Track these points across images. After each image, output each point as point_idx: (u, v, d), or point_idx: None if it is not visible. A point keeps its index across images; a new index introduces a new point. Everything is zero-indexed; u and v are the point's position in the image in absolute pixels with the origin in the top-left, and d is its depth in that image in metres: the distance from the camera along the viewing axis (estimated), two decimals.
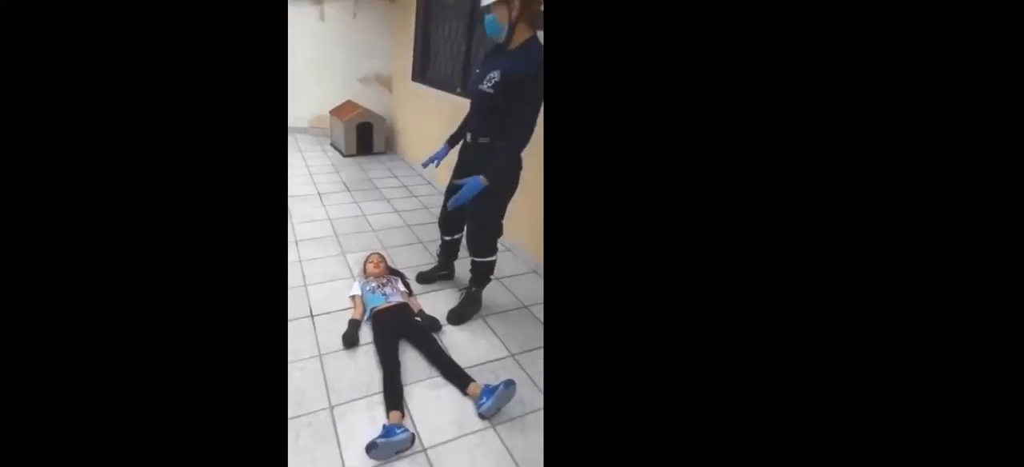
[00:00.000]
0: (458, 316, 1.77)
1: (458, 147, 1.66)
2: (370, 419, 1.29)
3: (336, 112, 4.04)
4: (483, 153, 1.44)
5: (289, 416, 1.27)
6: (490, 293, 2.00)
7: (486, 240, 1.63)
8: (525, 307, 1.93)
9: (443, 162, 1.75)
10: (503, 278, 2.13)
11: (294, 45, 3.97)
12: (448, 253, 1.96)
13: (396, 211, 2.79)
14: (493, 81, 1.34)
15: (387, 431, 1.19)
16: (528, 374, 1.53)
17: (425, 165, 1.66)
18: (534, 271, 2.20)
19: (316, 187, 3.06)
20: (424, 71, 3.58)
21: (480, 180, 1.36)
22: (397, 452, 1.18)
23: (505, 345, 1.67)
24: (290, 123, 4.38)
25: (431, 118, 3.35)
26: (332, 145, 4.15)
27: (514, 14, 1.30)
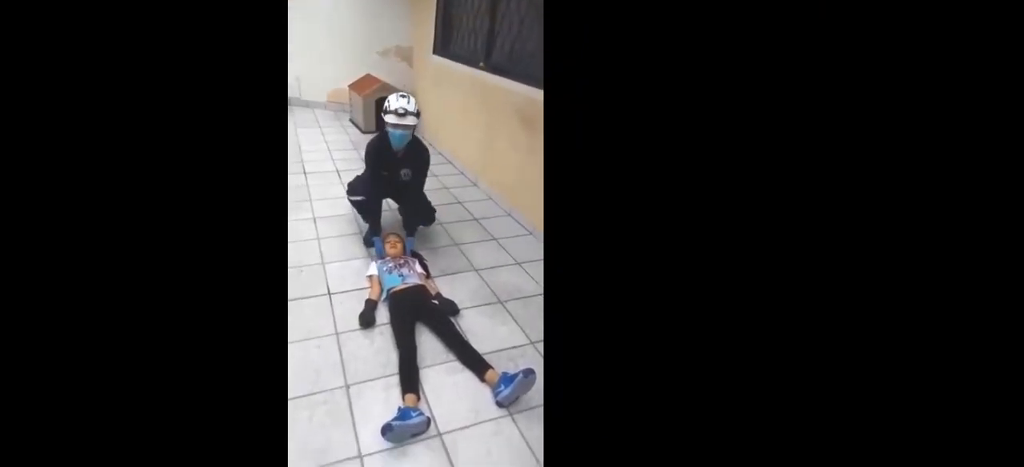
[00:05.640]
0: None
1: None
2: (385, 401, 1.33)
3: (354, 87, 4.09)
4: (406, 184, 2.15)
5: (305, 393, 1.32)
6: (510, 278, 2.01)
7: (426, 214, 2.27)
8: None
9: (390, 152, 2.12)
10: (524, 263, 2.13)
11: (313, 17, 4.03)
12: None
13: None
14: (408, 175, 2.10)
15: (402, 414, 1.22)
16: None
17: (376, 254, 2.01)
18: None
19: (334, 164, 3.13)
20: (446, 44, 3.56)
21: (412, 241, 2.10)
22: (412, 435, 1.22)
23: (525, 332, 1.68)
24: (308, 97, 4.47)
25: (453, 93, 3.34)
26: (351, 121, 4.22)
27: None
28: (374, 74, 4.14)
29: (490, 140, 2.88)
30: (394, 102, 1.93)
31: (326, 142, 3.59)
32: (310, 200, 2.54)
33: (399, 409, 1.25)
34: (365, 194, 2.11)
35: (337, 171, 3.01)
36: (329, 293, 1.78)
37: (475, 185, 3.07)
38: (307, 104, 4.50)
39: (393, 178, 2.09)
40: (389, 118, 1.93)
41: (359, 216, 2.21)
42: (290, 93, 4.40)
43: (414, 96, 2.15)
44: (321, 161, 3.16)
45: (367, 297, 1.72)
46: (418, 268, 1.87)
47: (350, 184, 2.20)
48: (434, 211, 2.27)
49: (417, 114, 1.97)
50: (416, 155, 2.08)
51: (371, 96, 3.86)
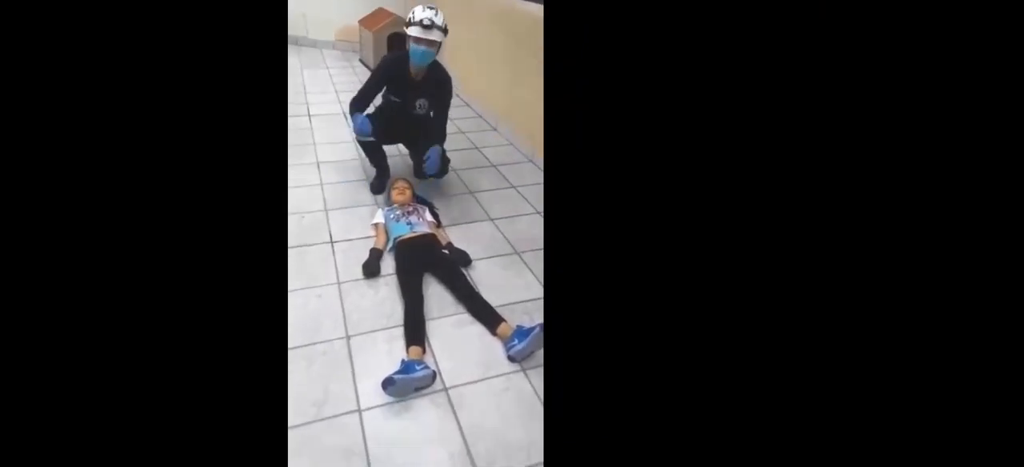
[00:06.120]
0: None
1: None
2: (388, 353, 1.27)
3: (365, 22, 3.87)
4: (420, 120, 1.95)
5: (304, 343, 1.27)
6: (528, 228, 1.89)
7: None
8: None
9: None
10: (544, 213, 2.00)
11: None
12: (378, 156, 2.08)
13: None
14: (425, 108, 1.89)
15: (406, 367, 1.15)
16: None
17: (362, 131, 1.86)
18: None
19: (341, 106, 3.00)
20: None
21: (438, 148, 1.89)
22: (416, 389, 1.15)
23: (543, 284, 1.57)
24: (315, 36, 4.30)
25: (475, 25, 3.09)
26: (361, 61, 4.04)
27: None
28: (387, 8, 3.90)
29: (515, 79, 2.68)
30: (419, 12, 1.71)
31: (333, 83, 3.45)
32: (314, 144, 2.44)
33: (402, 362, 1.18)
34: (361, 107, 1.90)
35: (344, 114, 2.88)
36: (331, 241, 1.71)
37: (495, 130, 2.90)
38: (314, 44, 4.33)
39: (406, 108, 1.87)
40: (413, 31, 1.72)
41: (366, 160, 2.09)
42: (295, 32, 4.23)
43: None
44: (327, 103, 3.04)
45: (372, 246, 1.64)
46: (428, 216, 1.76)
47: (359, 126, 2.02)
48: (448, 161, 2.08)
49: (444, 30, 1.76)
50: (436, 84, 1.85)
51: (383, 31, 3.64)
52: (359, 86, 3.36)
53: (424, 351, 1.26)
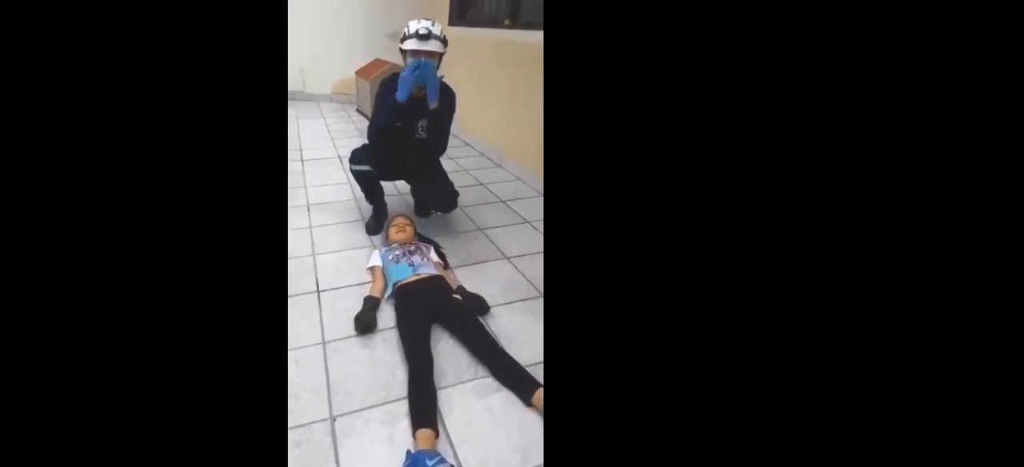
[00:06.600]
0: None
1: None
2: (388, 440, 0.92)
3: (361, 72, 3.84)
4: (422, 146, 1.73)
5: None
6: None
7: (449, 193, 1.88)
8: None
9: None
10: None
11: (317, 2, 3.81)
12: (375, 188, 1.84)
13: None
14: (425, 128, 1.68)
15: (414, 462, 0.82)
16: None
17: (402, 96, 1.58)
18: None
19: (337, 150, 2.82)
20: (463, 12, 3.28)
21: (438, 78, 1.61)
22: None
23: None
24: (313, 90, 4.25)
25: (473, 65, 2.99)
26: (358, 111, 3.94)
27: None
28: (384, 58, 3.87)
29: (516, 109, 2.55)
30: (414, 24, 1.55)
31: (329, 131, 3.32)
32: (305, 187, 2.20)
33: (408, 455, 0.85)
34: (375, 134, 1.65)
35: (339, 157, 2.69)
36: (318, 290, 1.40)
37: (499, 166, 2.70)
38: (311, 98, 4.28)
39: (407, 132, 1.65)
40: (409, 44, 1.54)
41: (363, 200, 1.85)
42: (293, 87, 4.18)
43: None
44: (322, 149, 2.87)
45: (367, 294, 1.33)
46: (433, 256, 1.48)
47: (354, 152, 1.77)
48: (457, 194, 1.83)
49: (444, 40, 1.58)
50: (439, 103, 1.63)
51: (378, 79, 3.55)
52: (355, 132, 3.25)
53: (437, 435, 0.92)
